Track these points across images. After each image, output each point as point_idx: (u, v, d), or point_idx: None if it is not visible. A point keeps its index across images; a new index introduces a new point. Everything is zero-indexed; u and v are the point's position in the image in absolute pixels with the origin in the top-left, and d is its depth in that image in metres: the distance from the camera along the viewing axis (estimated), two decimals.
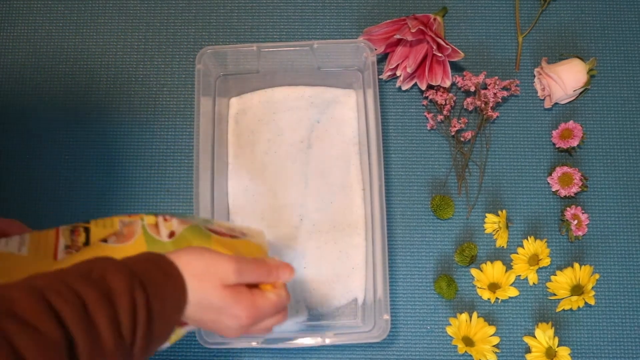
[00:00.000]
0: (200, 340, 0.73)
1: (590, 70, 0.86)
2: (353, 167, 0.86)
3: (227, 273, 0.55)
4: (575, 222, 0.82)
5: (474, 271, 0.82)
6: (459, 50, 0.83)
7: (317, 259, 0.82)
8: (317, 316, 0.81)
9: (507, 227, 0.82)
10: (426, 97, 0.87)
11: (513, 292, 0.81)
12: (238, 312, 0.55)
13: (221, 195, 0.84)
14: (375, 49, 0.83)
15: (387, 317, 0.73)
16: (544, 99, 0.89)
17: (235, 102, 0.89)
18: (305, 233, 0.83)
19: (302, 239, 0.83)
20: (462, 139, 0.86)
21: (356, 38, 0.90)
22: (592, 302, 0.78)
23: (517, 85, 0.86)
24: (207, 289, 0.54)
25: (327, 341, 0.74)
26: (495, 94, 0.85)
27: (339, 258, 0.82)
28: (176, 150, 0.88)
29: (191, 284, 0.54)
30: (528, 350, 0.80)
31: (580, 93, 0.88)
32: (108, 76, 0.90)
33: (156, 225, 0.63)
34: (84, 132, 0.88)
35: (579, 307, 0.79)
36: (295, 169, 0.86)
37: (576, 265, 0.80)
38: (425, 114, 0.87)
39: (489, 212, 0.84)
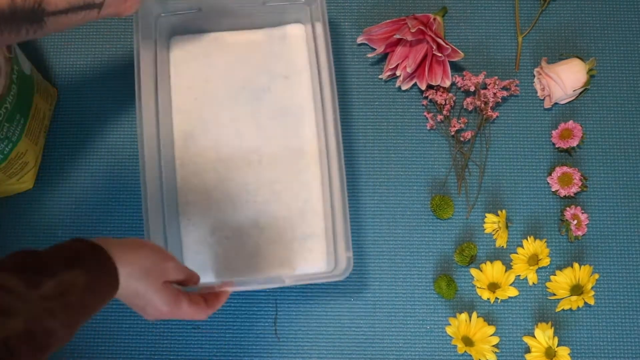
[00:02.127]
0: None
1: (590, 70, 0.86)
2: (306, 102, 0.85)
3: (169, 271, 0.61)
4: (575, 222, 0.82)
5: (473, 271, 0.82)
6: (458, 50, 0.83)
7: (272, 195, 0.82)
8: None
9: (507, 227, 0.83)
10: (426, 97, 0.87)
11: (513, 292, 0.81)
12: (162, 308, 0.61)
13: (167, 142, 0.82)
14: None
15: (349, 254, 0.72)
16: (543, 99, 0.89)
17: (178, 44, 0.86)
18: (259, 170, 0.83)
19: (256, 176, 0.83)
20: (461, 139, 0.86)
21: (356, 38, 0.90)
22: (591, 302, 0.78)
23: (516, 85, 0.86)
24: (149, 285, 0.59)
25: (287, 282, 0.73)
26: (495, 93, 0.85)
27: (297, 194, 0.82)
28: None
29: (130, 278, 0.58)
30: (528, 350, 0.80)
31: (580, 93, 0.88)
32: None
33: None
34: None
35: (578, 307, 0.79)
36: (246, 113, 0.84)
37: (576, 265, 0.80)
38: (425, 113, 0.87)
39: (489, 212, 0.84)
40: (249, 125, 0.84)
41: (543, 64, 0.86)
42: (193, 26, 0.85)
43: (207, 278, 0.79)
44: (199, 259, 0.80)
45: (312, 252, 0.81)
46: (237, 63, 0.86)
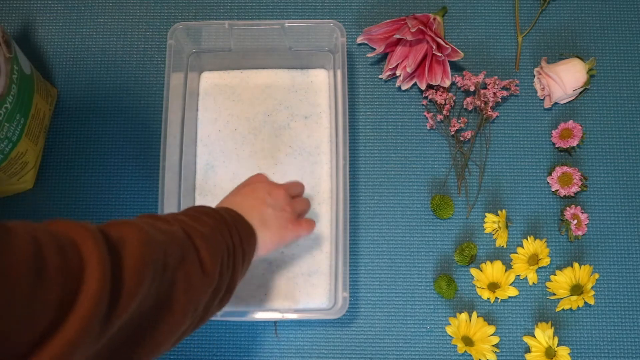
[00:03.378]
0: None
1: (589, 70, 0.86)
2: (323, 143, 0.86)
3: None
4: (575, 221, 0.82)
5: (473, 271, 0.82)
6: (458, 50, 0.83)
7: None
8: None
9: (507, 226, 0.82)
10: (426, 97, 0.87)
11: (513, 291, 0.81)
12: (274, 190, 0.70)
13: (189, 171, 0.84)
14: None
15: (345, 294, 0.74)
16: (543, 99, 0.89)
17: (207, 77, 0.89)
18: None
19: None
20: (461, 139, 0.86)
21: (356, 38, 0.90)
22: (591, 301, 0.78)
23: (516, 85, 0.86)
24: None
25: (285, 317, 0.75)
26: (494, 93, 0.85)
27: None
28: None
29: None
30: (528, 349, 0.80)
31: (580, 93, 0.88)
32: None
33: None
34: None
35: (578, 306, 0.79)
36: (265, 148, 0.86)
37: (576, 265, 0.80)
38: (425, 113, 0.87)
39: (489, 212, 0.84)
40: (267, 160, 0.86)
41: (543, 63, 0.86)
42: (223, 63, 0.89)
43: None
44: None
45: (316, 288, 0.82)
46: (261, 100, 0.88)
